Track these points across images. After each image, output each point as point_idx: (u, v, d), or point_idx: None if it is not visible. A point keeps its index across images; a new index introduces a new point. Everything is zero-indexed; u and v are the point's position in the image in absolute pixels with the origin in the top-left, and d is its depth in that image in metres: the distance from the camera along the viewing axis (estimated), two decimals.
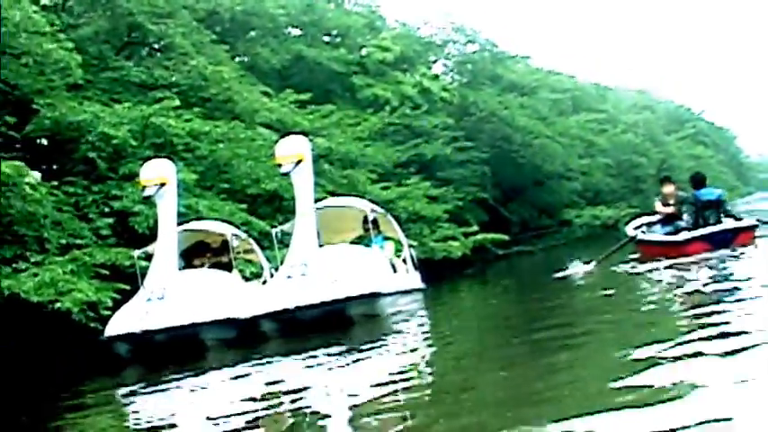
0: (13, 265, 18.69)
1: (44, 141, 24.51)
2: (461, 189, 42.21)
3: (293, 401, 9.44)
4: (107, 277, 19.35)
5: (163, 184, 17.21)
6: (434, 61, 51.59)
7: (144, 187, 17.38)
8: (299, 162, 17.10)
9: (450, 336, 14.37)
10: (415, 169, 39.92)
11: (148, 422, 9.57)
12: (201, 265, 18.35)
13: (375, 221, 19.34)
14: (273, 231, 18.55)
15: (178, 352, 15.39)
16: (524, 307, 17.10)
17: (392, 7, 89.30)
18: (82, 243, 20.31)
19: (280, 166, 17.27)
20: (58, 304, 17.41)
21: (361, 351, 12.97)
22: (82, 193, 22.22)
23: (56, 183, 21.22)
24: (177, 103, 24.66)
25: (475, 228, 37.90)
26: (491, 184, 47.60)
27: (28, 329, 22.09)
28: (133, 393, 12.80)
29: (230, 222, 21.74)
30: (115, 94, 26.46)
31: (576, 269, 19.02)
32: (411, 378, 9.86)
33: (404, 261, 19.74)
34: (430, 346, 13.49)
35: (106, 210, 21.92)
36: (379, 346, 13.53)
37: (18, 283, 17.60)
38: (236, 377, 12.52)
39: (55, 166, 26.39)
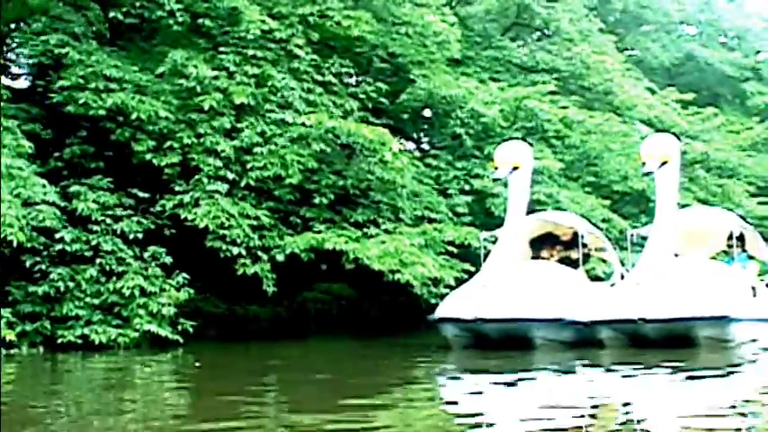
0: (364, 230, 18.80)
1: (426, 113, 24.68)
2: None
3: (613, 416, 8.84)
4: (454, 255, 19.14)
5: (516, 168, 16.53)
6: None
7: (496, 168, 16.80)
8: (664, 163, 15.88)
9: None
10: None
11: (463, 412, 9.06)
12: (549, 258, 17.57)
13: (741, 238, 17.79)
14: (629, 233, 17.54)
15: (505, 344, 14.80)
16: None
17: None
18: (436, 218, 20.24)
19: (644, 164, 16.13)
20: (398, 275, 17.29)
21: (702, 376, 11.89)
22: (445, 167, 22.19)
23: (419, 154, 21.22)
24: (552, 88, 24.00)
25: None
26: None
27: (374, 297, 22.48)
28: (454, 378, 12.37)
29: (586, 218, 20.93)
30: (495, 73, 26.28)
31: None
32: (750, 410, 8.95)
33: (767, 285, 18.04)
34: None
35: (466, 188, 21.75)
36: (723, 374, 12.35)
37: (363, 248, 17.62)
38: (559, 379, 11.79)
39: (425, 139, 26.66)
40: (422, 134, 27.24)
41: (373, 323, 22.86)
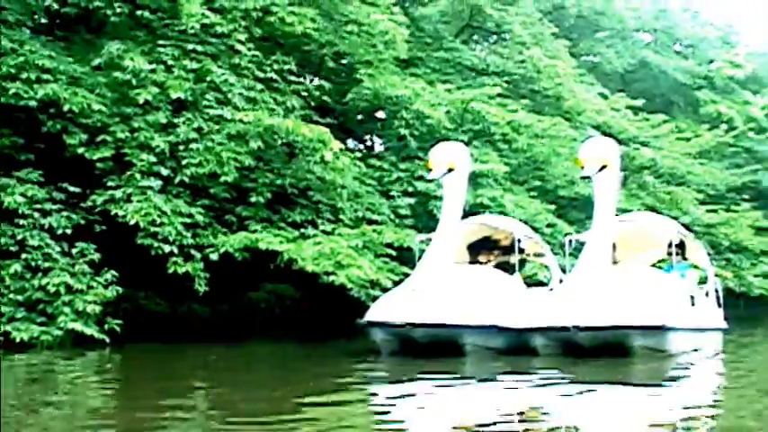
0: (302, 231, 18.48)
1: (381, 114, 24.35)
2: None
3: (544, 427, 8.61)
4: (395, 258, 18.85)
5: (451, 170, 16.16)
6: None
7: (431, 169, 16.45)
8: (603, 167, 15.58)
9: (742, 386, 12.60)
10: (750, 196, 37.50)
11: (385, 426, 8.82)
12: (487, 262, 17.24)
13: (681, 245, 17.59)
14: (566, 239, 17.24)
15: (435, 350, 14.42)
16: None
17: (750, 23, 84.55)
18: (377, 219, 19.94)
19: (582, 168, 15.83)
20: (333, 277, 16.97)
21: (636, 387, 11.65)
22: (388, 168, 21.93)
23: (359, 155, 20.91)
24: (499, 90, 23.78)
25: None
26: None
27: (319, 299, 22.10)
28: (378, 385, 12.10)
29: (530, 222, 20.70)
30: (445, 74, 26.03)
31: None
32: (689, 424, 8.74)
33: (706, 294, 17.84)
34: (715, 394, 11.89)
35: (409, 189, 21.48)
36: (657, 385, 12.11)
37: (298, 249, 17.29)
38: (487, 388, 11.54)
39: (378, 140, 26.37)
40: (374, 135, 26.98)
41: (317, 325, 22.53)
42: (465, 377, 12.59)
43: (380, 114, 24.62)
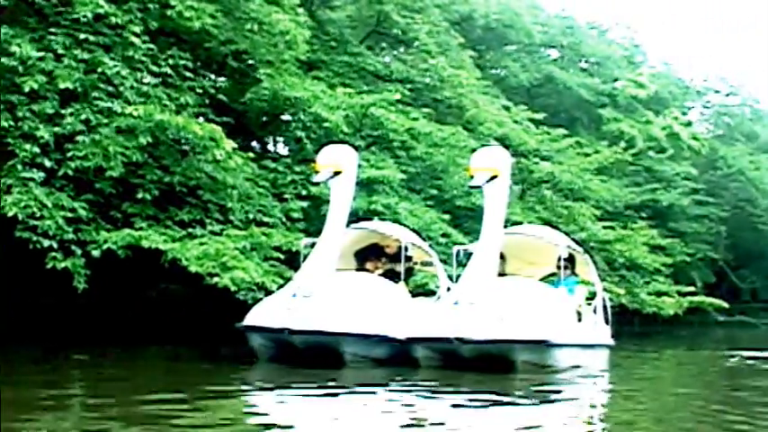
0: (189, 230, 18.07)
1: (287, 117, 23.97)
2: (692, 245, 40.00)
3: None
4: (284, 261, 18.54)
5: (338, 173, 15.86)
6: (691, 108, 49.25)
7: (317, 172, 16.09)
8: (493, 177, 15.41)
9: (624, 402, 12.54)
10: (648, 215, 38.07)
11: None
12: (374, 270, 16.92)
13: (571, 260, 17.47)
14: (455, 249, 17.01)
15: (313, 358, 14.10)
16: (732, 388, 14.88)
17: (655, 45, 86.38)
18: (269, 222, 19.59)
19: (472, 178, 15.62)
20: (217, 279, 16.59)
21: (517, 401, 11.46)
22: (282, 171, 21.57)
23: (253, 155, 20.52)
24: (398, 96, 23.61)
25: (692, 288, 35.38)
26: (724, 246, 45.29)
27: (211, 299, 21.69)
28: (249, 391, 11.82)
29: (424, 231, 20.53)
30: (348, 79, 25.82)
31: None
32: None
33: (594, 310, 17.76)
34: (595, 410, 11.80)
35: (303, 193, 21.15)
36: (537, 402, 11.87)
37: (182, 249, 16.87)
38: (362, 400, 11.28)
39: (280, 139, 26.02)
40: (277, 137, 26.61)
41: (205, 327, 22.13)
42: (341, 387, 12.30)
43: (286, 116, 24.28)
